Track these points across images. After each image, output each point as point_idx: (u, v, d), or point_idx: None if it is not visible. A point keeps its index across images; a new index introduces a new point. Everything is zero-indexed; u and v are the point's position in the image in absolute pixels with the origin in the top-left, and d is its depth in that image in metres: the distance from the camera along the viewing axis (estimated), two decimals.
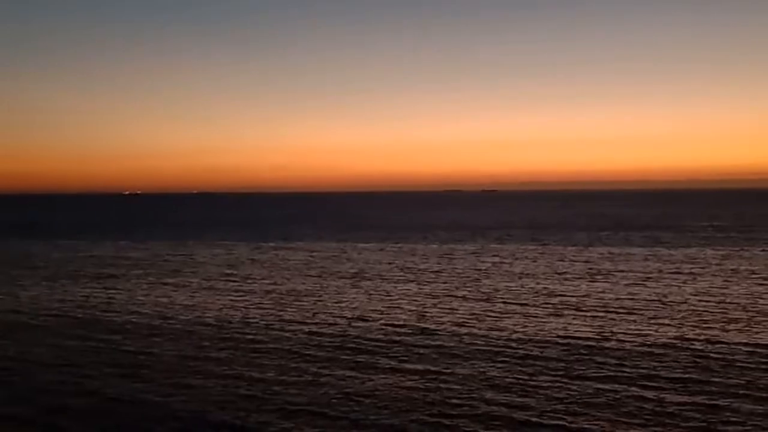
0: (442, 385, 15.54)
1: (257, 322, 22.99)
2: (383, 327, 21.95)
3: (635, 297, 27.00)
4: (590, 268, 36.87)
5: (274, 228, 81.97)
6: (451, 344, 19.45)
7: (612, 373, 16.26)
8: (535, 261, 41.37)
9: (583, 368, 16.77)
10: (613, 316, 23.26)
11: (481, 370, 16.77)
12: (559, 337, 20.14)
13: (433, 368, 16.95)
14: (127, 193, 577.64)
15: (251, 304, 26.65)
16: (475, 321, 22.74)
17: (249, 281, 33.50)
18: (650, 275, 33.67)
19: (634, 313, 23.60)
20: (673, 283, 30.65)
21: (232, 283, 32.71)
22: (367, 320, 23.12)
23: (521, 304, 25.79)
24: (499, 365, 17.18)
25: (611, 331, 20.71)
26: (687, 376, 15.99)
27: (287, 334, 21.08)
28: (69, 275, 36.52)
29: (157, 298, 28.66)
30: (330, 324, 22.55)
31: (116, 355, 18.89)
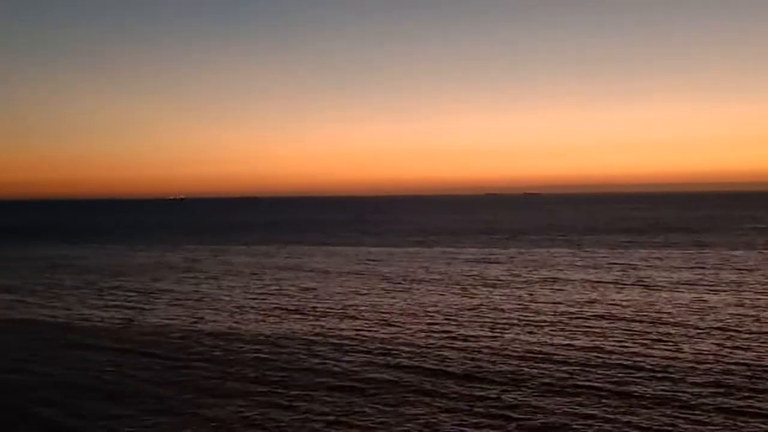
0: (475, 407, 14.71)
1: (292, 335, 22.39)
2: (417, 342, 21.13)
3: (678, 305, 25.62)
4: (632, 275, 35.40)
5: (314, 232, 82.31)
6: (487, 362, 18.38)
7: (665, 394, 15.10)
8: (575, 266, 40.12)
9: (635, 389, 15.53)
10: (658, 328, 21.95)
11: (518, 393, 15.63)
12: (601, 353, 18.99)
13: (466, 391, 15.95)
14: (172, 197, 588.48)
15: (287, 313, 26.26)
16: (513, 335, 21.60)
17: (284, 288, 33.16)
18: (693, 281, 32.17)
19: (679, 325, 22.30)
20: (717, 290, 29.15)
21: (267, 293, 32.42)
22: (401, 330, 22.44)
23: (561, 315, 24.61)
24: (539, 388, 15.93)
25: (656, 347, 19.48)
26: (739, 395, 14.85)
27: (319, 347, 20.50)
28: (108, 281, 36.94)
29: (192, 307, 28.58)
30: (362, 337, 21.92)
31: (138, 370, 18.48)
